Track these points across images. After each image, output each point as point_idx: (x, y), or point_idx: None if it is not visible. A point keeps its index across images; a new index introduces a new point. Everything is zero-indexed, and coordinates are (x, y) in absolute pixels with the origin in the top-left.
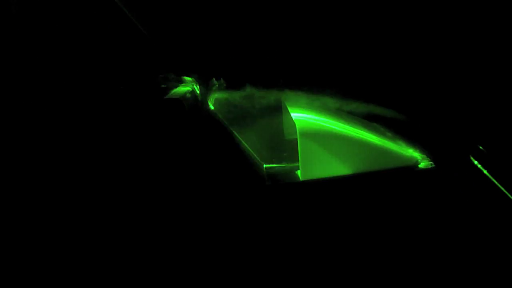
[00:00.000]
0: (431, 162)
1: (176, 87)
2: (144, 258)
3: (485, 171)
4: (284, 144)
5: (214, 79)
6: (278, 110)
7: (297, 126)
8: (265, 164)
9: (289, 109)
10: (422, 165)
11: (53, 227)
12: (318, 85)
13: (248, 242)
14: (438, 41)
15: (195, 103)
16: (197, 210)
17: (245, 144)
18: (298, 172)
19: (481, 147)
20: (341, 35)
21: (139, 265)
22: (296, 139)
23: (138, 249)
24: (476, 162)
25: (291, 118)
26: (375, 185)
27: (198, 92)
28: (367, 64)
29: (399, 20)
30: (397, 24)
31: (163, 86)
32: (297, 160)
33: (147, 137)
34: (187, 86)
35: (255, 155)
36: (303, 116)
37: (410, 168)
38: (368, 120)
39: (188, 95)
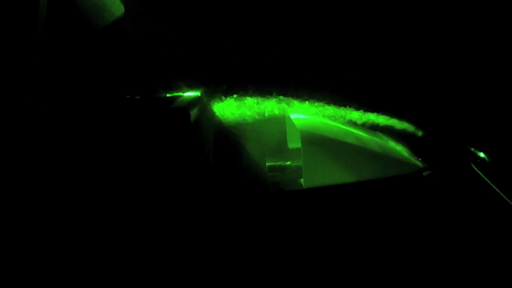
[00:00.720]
0: (433, 170)
1: (182, 95)
2: (149, 262)
3: (485, 178)
4: (288, 152)
5: (217, 86)
6: (282, 118)
7: (300, 134)
8: (269, 171)
9: (292, 114)
10: (424, 173)
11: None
12: (321, 93)
13: (252, 248)
14: (439, 50)
15: (202, 111)
16: (201, 216)
17: (249, 152)
18: (302, 180)
19: (481, 154)
20: (345, 44)
21: (147, 267)
22: (300, 147)
23: (144, 252)
24: (476, 169)
25: (295, 126)
26: (378, 192)
27: (204, 99)
28: (370, 74)
29: (403, 30)
30: (400, 34)
31: (169, 94)
32: (301, 168)
33: (153, 145)
34: (194, 94)
35: (259, 163)
36: (305, 118)
37: (413, 176)
38: (371, 129)
39: (195, 104)
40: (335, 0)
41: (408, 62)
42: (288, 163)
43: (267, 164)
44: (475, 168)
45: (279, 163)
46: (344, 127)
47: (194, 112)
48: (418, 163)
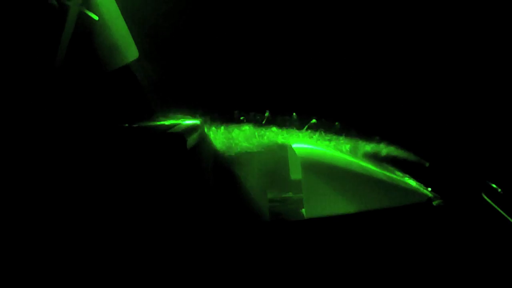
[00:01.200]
0: (443, 200)
1: (181, 123)
2: None
3: (498, 208)
4: (290, 183)
5: (217, 115)
6: (284, 147)
7: (300, 159)
8: (270, 202)
9: (294, 144)
10: (434, 202)
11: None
12: (325, 124)
13: (247, 281)
14: (450, 78)
15: (201, 140)
16: (199, 245)
17: (249, 181)
18: (303, 210)
19: (494, 186)
20: (351, 75)
21: None
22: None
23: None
24: (489, 200)
25: (296, 155)
26: (385, 223)
27: (204, 128)
28: (376, 104)
29: (410, 60)
30: (407, 64)
31: (168, 122)
32: (302, 197)
33: (150, 172)
34: (193, 122)
35: (260, 193)
36: (307, 147)
37: (422, 205)
38: (376, 160)
39: (192, 131)
40: (344, 29)
41: (417, 92)
42: (290, 194)
43: (268, 194)
44: (487, 199)
45: (280, 193)
46: (348, 157)
47: (191, 139)
48: (427, 192)
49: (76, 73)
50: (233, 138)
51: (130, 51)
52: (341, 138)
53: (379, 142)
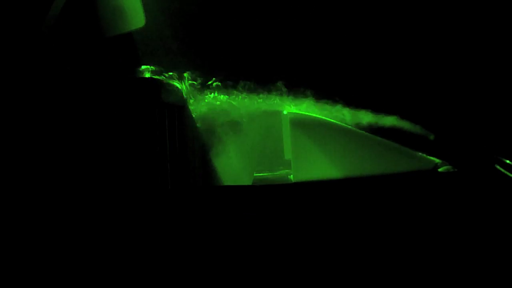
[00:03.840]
0: (451, 166)
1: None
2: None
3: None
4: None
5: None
6: (277, 116)
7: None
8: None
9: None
10: (440, 168)
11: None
12: (327, 92)
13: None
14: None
15: (179, 100)
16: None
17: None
18: (290, 176)
19: (508, 161)
20: (354, 45)
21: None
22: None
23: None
24: (502, 169)
25: (288, 121)
26: (385, 189)
27: (184, 89)
28: (381, 74)
29: (414, 34)
30: (412, 38)
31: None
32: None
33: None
34: (173, 81)
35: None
36: (300, 113)
37: (429, 172)
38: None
39: (170, 86)
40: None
41: (423, 59)
42: (279, 173)
43: (254, 174)
44: (501, 169)
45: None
46: (346, 125)
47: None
48: (435, 159)
49: (70, 33)
50: (222, 104)
51: (136, 18)
52: (337, 107)
53: (377, 112)
